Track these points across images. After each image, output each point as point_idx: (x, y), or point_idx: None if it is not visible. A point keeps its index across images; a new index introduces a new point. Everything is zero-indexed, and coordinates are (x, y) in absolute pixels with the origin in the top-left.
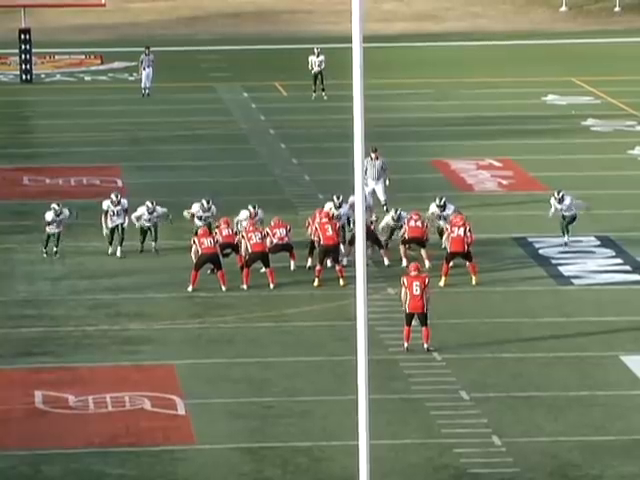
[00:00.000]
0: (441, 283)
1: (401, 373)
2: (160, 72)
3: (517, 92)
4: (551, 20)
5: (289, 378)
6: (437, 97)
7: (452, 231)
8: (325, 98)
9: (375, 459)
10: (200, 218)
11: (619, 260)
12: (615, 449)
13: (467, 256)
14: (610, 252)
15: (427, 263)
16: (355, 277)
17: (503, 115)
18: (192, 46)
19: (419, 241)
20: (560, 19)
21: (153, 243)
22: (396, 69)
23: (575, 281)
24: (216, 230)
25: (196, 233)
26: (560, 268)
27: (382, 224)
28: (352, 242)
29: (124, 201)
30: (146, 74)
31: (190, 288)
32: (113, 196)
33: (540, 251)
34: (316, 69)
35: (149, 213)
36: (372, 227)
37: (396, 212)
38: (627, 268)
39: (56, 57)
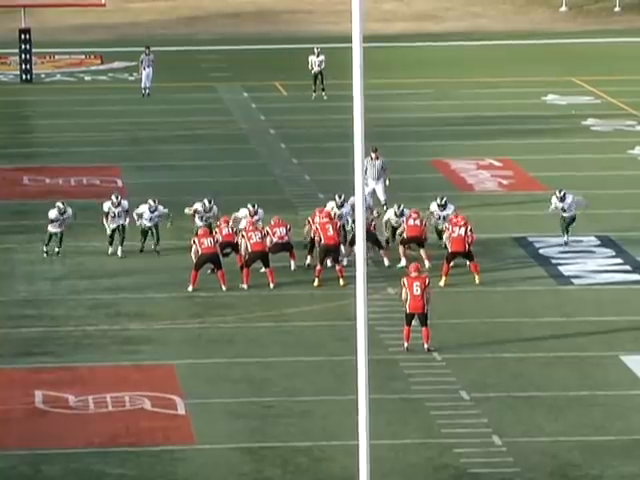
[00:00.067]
0: (441, 283)
1: (401, 373)
2: (160, 72)
3: (517, 92)
4: (551, 20)
5: (289, 378)
6: (437, 97)
7: (453, 231)
8: (325, 98)
9: (375, 459)
10: (201, 218)
11: (619, 260)
12: (615, 449)
13: (468, 256)
14: (610, 252)
15: (427, 263)
16: (355, 277)
17: (503, 115)
18: (192, 46)
19: (418, 240)
20: (560, 19)
21: (154, 244)
22: (396, 69)
23: (575, 281)
24: (216, 229)
25: (196, 233)
26: (560, 268)
27: (384, 218)
28: (352, 243)
29: (124, 202)
30: (146, 74)
31: (190, 288)
32: (113, 197)
33: (540, 251)
34: (316, 69)
35: (151, 212)
36: (372, 228)
37: (399, 208)
38: (627, 268)
39: (56, 57)
